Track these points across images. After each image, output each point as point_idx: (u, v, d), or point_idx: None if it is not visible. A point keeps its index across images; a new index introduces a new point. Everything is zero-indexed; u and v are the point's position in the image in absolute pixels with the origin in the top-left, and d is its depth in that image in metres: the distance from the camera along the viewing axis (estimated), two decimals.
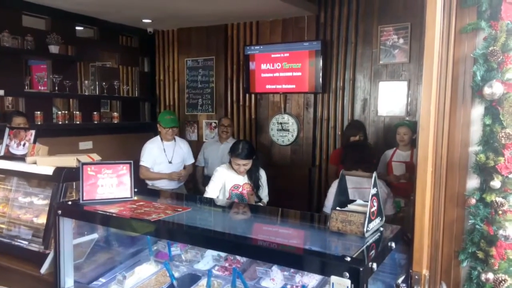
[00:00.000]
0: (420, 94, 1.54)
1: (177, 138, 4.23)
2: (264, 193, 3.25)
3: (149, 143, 4.07)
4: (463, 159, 1.75)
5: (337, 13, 4.65)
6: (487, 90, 1.65)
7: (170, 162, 4.04)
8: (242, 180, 3.16)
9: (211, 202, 2.80)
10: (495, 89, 1.64)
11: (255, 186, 3.17)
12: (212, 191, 3.13)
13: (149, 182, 4.04)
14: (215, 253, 2.27)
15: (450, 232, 1.77)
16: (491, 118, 1.68)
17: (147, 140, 4.12)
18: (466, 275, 1.79)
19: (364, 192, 2.88)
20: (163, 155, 4.04)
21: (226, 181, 3.14)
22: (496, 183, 1.67)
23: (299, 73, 4.78)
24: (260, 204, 3.18)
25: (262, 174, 3.27)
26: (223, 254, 2.25)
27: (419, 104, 1.56)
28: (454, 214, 1.77)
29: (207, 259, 2.30)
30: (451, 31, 1.68)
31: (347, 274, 1.35)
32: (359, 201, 1.86)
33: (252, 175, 3.16)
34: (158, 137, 4.12)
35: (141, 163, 3.95)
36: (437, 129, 1.64)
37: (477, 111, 1.72)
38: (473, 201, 1.73)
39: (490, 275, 1.69)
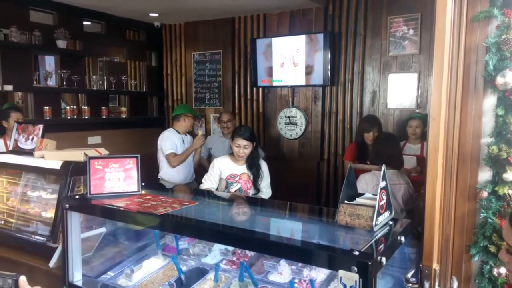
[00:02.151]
0: (431, 85, 1.50)
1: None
2: (264, 183, 3.18)
3: (168, 132, 4.07)
4: (475, 151, 1.72)
5: (345, 4, 4.58)
6: (500, 80, 1.61)
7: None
8: (240, 170, 3.12)
9: (218, 196, 2.79)
10: (508, 78, 1.60)
11: (255, 175, 3.13)
12: (206, 181, 3.13)
13: (166, 178, 4.01)
14: (222, 247, 2.26)
15: (461, 226, 1.74)
16: (504, 108, 1.64)
17: (155, 134, 4.11)
18: (478, 270, 1.76)
19: (394, 188, 2.82)
20: (182, 147, 4.04)
21: (222, 171, 3.11)
22: (509, 175, 1.64)
23: (307, 66, 4.73)
24: (260, 196, 3.13)
25: (263, 164, 3.22)
26: (230, 248, 2.23)
27: (430, 96, 1.52)
28: (466, 207, 1.74)
29: (215, 253, 2.29)
30: (462, 19, 1.64)
31: (356, 269, 1.33)
32: (367, 195, 1.83)
33: (251, 164, 3.13)
34: (172, 129, 4.13)
35: (168, 151, 3.90)
36: (448, 120, 1.60)
37: (490, 101, 1.68)
38: (485, 194, 1.70)
39: (502, 270, 1.66)
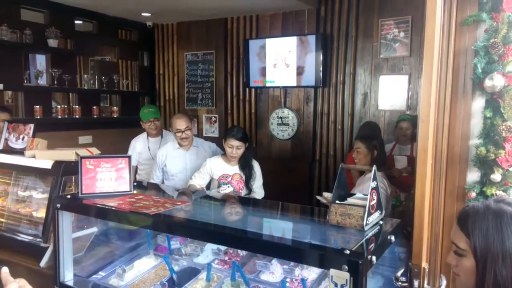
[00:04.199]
0: (421, 87, 1.53)
1: (165, 132, 4.05)
2: (256, 184, 3.18)
3: (133, 141, 3.95)
4: (464, 152, 1.75)
5: (337, 6, 4.61)
6: (488, 83, 1.65)
7: (153, 159, 3.73)
8: (232, 170, 3.12)
9: (210, 196, 2.80)
10: (496, 81, 1.63)
11: (248, 176, 3.12)
12: (196, 178, 3.12)
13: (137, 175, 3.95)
14: (214, 246, 2.27)
15: (450, 226, 1.76)
16: (492, 111, 1.67)
17: None
18: None
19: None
20: (147, 153, 3.89)
21: (214, 171, 3.11)
22: (496, 176, 1.67)
23: (299, 67, 4.76)
24: (253, 196, 3.14)
25: (255, 164, 3.22)
26: (222, 248, 2.24)
27: (420, 98, 1.55)
28: (454, 208, 1.77)
29: (207, 253, 2.30)
30: (452, 23, 1.67)
31: (346, 267, 1.35)
32: (358, 195, 1.86)
33: (244, 164, 3.12)
34: (144, 134, 3.98)
35: None
36: (438, 121, 1.63)
37: (478, 103, 1.72)
38: (473, 194, 1.73)
39: None
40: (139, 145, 3.91)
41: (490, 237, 1.08)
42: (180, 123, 3.32)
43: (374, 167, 1.72)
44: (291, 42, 4.77)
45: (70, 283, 2.18)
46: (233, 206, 2.51)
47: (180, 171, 3.35)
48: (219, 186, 3.09)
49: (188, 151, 3.44)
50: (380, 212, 1.78)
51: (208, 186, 3.19)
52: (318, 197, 2.36)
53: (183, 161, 3.41)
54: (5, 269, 0.94)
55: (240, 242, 1.76)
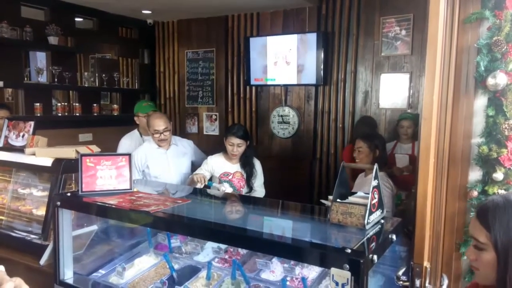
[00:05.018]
0: (423, 86, 1.52)
1: None
2: (257, 182, 3.18)
3: (125, 139, 3.67)
4: (466, 151, 1.74)
5: (338, 4, 4.59)
6: (490, 81, 1.64)
7: None
8: (233, 168, 3.12)
9: (211, 194, 2.79)
10: (498, 79, 1.62)
11: (249, 174, 3.12)
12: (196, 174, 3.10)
13: None
14: (215, 245, 2.26)
15: (452, 225, 1.76)
16: (494, 109, 1.66)
17: None
18: (467, 268, 1.78)
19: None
20: None
21: (215, 169, 3.11)
22: (498, 175, 1.66)
23: (300, 65, 4.74)
24: (254, 194, 3.13)
25: (256, 163, 3.22)
26: (223, 246, 2.24)
27: (421, 96, 1.54)
28: (456, 207, 1.76)
29: (207, 251, 2.29)
30: (454, 20, 1.66)
31: (347, 266, 1.34)
32: (360, 193, 1.85)
33: (245, 162, 3.12)
34: (135, 131, 3.76)
35: None
36: (440, 120, 1.62)
37: (480, 102, 1.71)
38: (475, 193, 1.72)
39: None
40: (132, 145, 3.64)
41: (511, 230, 1.08)
42: (159, 123, 3.09)
43: (375, 166, 1.71)
44: (292, 40, 4.75)
45: (70, 281, 2.18)
46: (234, 204, 2.51)
47: (163, 172, 3.16)
48: (220, 182, 3.08)
49: (168, 150, 3.24)
50: (381, 211, 1.77)
51: (210, 179, 3.17)
52: (323, 201, 2.35)
53: (166, 160, 3.21)
54: (1, 268, 0.93)
55: (241, 241, 1.75)
